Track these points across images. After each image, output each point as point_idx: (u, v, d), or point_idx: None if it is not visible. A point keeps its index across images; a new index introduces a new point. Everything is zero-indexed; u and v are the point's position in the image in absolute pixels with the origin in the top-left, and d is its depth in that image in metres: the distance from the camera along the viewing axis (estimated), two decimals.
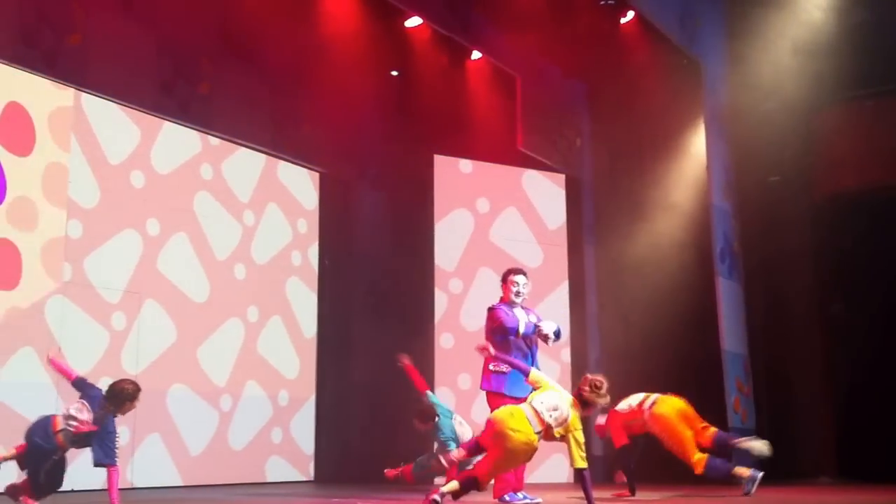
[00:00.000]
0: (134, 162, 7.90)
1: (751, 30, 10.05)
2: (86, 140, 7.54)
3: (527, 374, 5.10)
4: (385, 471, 7.30)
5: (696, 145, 9.93)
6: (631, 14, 9.51)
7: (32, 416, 5.32)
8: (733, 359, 9.48)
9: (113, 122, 7.77)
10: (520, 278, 6.07)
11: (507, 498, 5.80)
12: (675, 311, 9.29)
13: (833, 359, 9.72)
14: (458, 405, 9.02)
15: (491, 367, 5.81)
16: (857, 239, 9.63)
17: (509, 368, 5.61)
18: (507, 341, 5.83)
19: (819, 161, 10.19)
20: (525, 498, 5.84)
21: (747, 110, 10.13)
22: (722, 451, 6.97)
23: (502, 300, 6.08)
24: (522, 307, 6.03)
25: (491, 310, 6.03)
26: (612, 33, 9.54)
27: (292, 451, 9.06)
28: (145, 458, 7.62)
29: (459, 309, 9.46)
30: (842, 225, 9.80)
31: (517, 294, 6.01)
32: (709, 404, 8.95)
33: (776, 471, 8.61)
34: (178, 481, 7.86)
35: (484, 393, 5.92)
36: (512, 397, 5.52)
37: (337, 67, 8.85)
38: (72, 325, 7.26)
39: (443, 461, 7.21)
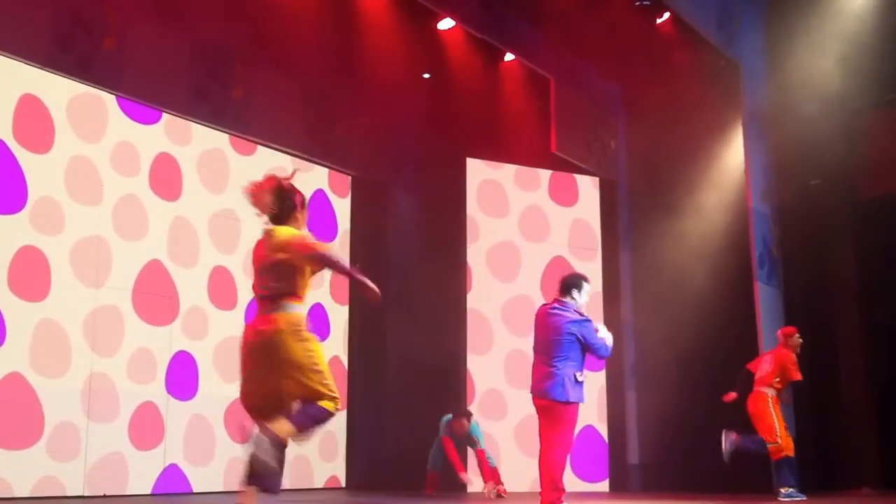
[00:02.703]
0: (163, 162, 7.84)
1: (791, 30, 9.86)
2: (111, 131, 7.41)
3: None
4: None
5: (734, 148, 9.74)
6: (667, 15, 9.35)
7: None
8: None
9: (138, 113, 7.68)
10: (589, 287, 5.46)
11: None
12: (713, 317, 9.11)
13: (876, 366, 9.47)
14: (489, 409, 8.95)
15: (578, 377, 5.19)
16: None
17: (584, 377, 5.19)
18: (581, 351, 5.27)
19: (861, 163, 9.95)
20: None
21: (787, 112, 9.92)
22: None
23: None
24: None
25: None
26: (648, 34, 9.38)
27: (323, 458, 8.99)
28: (175, 463, 7.61)
29: (492, 313, 9.36)
30: (885, 228, 9.55)
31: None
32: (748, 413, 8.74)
33: (818, 480, 8.43)
34: (208, 487, 7.82)
35: (531, 397, 5.34)
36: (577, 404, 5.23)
37: (370, 70, 8.82)
38: (108, 334, 7.22)
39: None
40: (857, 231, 9.80)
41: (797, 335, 7.97)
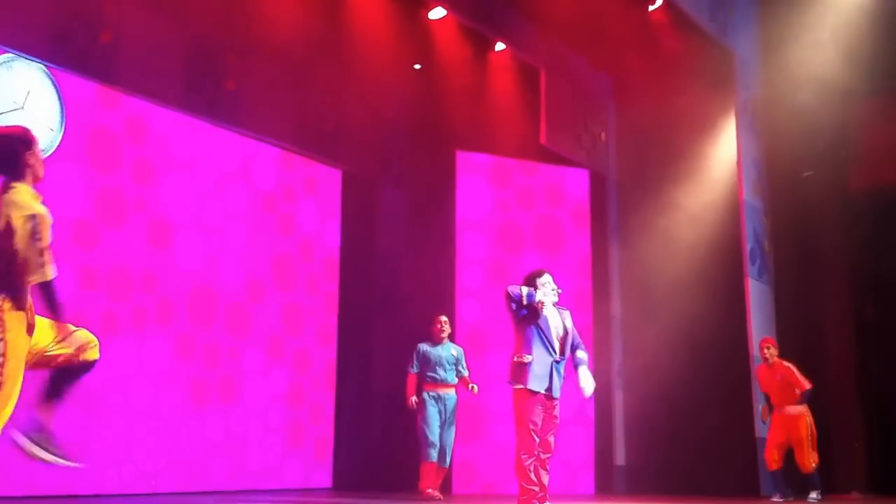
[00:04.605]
0: (154, 156, 7.69)
1: (784, 19, 9.68)
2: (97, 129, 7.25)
3: None
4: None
5: (727, 139, 9.60)
6: (660, 2, 9.14)
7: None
8: None
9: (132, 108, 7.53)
10: (546, 278, 5.53)
11: None
12: (703, 314, 9.01)
13: (866, 366, 9.37)
14: (477, 404, 8.87)
15: (514, 358, 5.39)
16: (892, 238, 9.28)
17: (530, 359, 5.29)
18: (530, 332, 5.37)
19: (855, 155, 9.81)
20: None
21: (780, 102, 9.78)
22: None
23: None
24: (555, 305, 5.53)
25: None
26: (640, 23, 9.18)
27: (310, 457, 8.93)
28: (163, 462, 7.48)
29: (481, 308, 9.25)
30: (878, 222, 9.44)
31: (555, 293, 5.46)
32: (735, 412, 8.71)
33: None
34: (193, 486, 7.73)
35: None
36: (531, 391, 5.25)
37: (361, 63, 8.64)
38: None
39: None
40: (849, 224, 9.67)
41: (763, 347, 8.10)
